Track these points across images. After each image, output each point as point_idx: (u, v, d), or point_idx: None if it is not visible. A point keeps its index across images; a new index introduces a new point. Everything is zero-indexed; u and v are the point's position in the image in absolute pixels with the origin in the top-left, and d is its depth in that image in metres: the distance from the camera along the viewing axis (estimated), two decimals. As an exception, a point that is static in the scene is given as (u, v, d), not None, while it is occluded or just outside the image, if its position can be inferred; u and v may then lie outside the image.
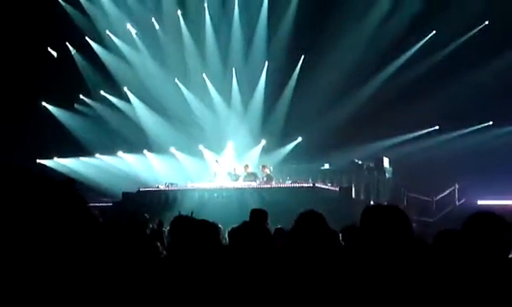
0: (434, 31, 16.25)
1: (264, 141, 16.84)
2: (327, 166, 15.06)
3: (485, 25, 15.78)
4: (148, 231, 8.74)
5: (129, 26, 17.55)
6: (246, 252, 4.07)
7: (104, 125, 16.71)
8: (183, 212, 8.74)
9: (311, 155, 15.38)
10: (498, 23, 15.15)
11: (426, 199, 14.10)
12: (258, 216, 6.59)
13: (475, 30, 15.94)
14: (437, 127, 15.94)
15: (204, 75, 17.50)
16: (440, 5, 15.75)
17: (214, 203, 13.02)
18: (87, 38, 17.40)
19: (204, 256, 4.00)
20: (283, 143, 16.87)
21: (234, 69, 17.53)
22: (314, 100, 16.31)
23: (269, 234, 5.23)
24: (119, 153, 16.40)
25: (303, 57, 17.30)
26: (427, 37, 16.38)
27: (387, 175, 14.70)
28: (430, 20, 15.99)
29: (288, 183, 13.73)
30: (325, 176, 14.77)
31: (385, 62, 16.61)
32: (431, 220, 12.74)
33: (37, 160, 16.21)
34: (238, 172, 14.53)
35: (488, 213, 2.70)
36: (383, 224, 2.55)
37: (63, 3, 17.28)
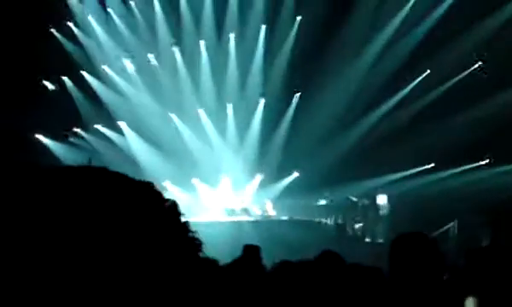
0: (429, 71, 16.48)
1: (260, 176, 16.76)
2: (323, 202, 14.97)
3: (480, 65, 16.07)
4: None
5: (125, 60, 17.60)
6: (238, 290, 3.94)
7: (98, 159, 16.53)
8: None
9: (307, 191, 15.28)
10: (491, 63, 15.45)
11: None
12: (250, 252, 6.41)
13: (470, 70, 16.19)
14: (432, 164, 15.96)
15: (199, 110, 17.50)
16: (435, 45, 16.01)
17: (209, 237, 12.82)
18: (83, 72, 17.39)
19: (201, 292, 3.83)
20: (280, 178, 16.78)
21: (230, 104, 17.56)
22: (310, 135, 16.34)
23: (261, 270, 5.09)
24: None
25: (299, 94, 17.41)
26: (421, 76, 16.58)
27: (383, 212, 14.64)
28: (424, 59, 16.23)
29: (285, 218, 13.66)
30: (321, 213, 14.68)
31: (380, 100, 16.75)
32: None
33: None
34: (234, 207, 14.45)
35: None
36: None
37: (59, 36, 17.34)
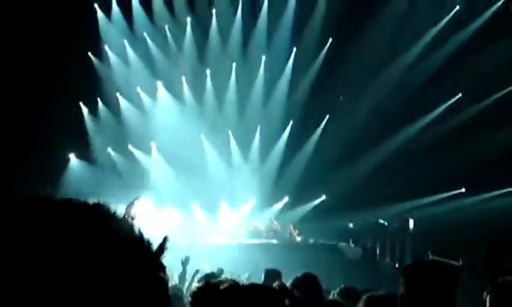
0: (460, 95, 16.14)
1: (286, 199, 16.74)
2: (351, 225, 14.76)
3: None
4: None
5: (159, 84, 17.92)
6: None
7: (125, 181, 16.67)
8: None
9: (334, 214, 15.11)
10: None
11: (451, 262, 13.60)
12: (271, 276, 6.41)
13: (504, 91, 15.81)
14: (463, 190, 15.55)
15: (229, 131, 17.62)
16: (467, 65, 15.58)
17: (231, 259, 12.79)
18: (118, 95, 17.78)
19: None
20: (306, 201, 16.68)
21: (258, 126, 17.64)
22: (337, 157, 16.15)
23: (279, 296, 5.04)
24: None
25: (327, 117, 17.30)
26: (453, 99, 16.26)
27: (412, 237, 14.31)
28: (455, 79, 15.82)
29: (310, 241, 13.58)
30: (349, 236, 14.46)
31: (409, 121, 16.47)
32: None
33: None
34: (257, 229, 14.51)
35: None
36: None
37: (96, 61, 17.84)
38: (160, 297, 0.85)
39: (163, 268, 0.88)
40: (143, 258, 0.84)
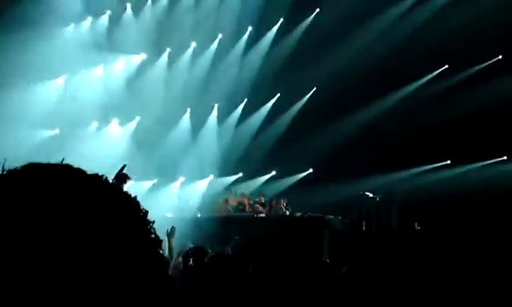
0: (446, 66, 16.03)
1: (273, 172, 16.71)
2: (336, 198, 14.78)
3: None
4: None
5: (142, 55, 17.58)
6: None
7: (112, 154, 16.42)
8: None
9: (321, 186, 15.11)
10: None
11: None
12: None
13: (489, 62, 15.74)
14: (448, 162, 15.62)
15: (215, 104, 17.41)
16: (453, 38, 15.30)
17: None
18: (99, 66, 17.35)
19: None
20: (291, 173, 16.64)
21: (245, 99, 17.43)
22: (321, 128, 15.99)
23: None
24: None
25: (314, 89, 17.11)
26: (438, 70, 16.14)
27: (397, 208, 14.37)
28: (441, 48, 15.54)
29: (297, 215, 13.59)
30: (335, 209, 14.46)
31: (392, 89, 16.28)
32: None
33: None
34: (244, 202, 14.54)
35: None
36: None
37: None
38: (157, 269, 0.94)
39: (159, 242, 0.95)
40: (142, 229, 0.92)
